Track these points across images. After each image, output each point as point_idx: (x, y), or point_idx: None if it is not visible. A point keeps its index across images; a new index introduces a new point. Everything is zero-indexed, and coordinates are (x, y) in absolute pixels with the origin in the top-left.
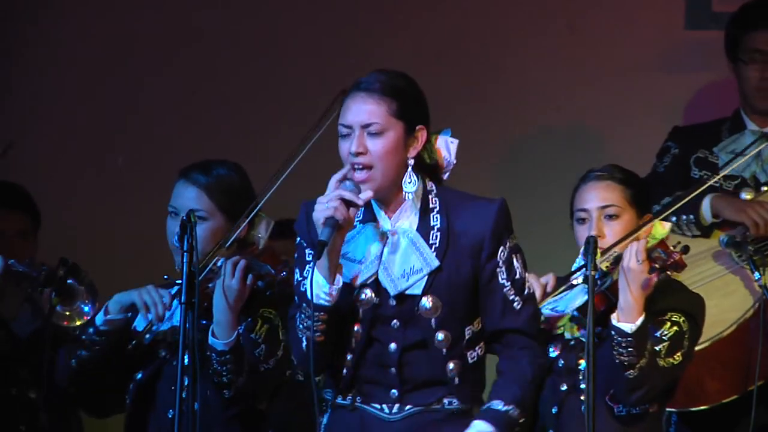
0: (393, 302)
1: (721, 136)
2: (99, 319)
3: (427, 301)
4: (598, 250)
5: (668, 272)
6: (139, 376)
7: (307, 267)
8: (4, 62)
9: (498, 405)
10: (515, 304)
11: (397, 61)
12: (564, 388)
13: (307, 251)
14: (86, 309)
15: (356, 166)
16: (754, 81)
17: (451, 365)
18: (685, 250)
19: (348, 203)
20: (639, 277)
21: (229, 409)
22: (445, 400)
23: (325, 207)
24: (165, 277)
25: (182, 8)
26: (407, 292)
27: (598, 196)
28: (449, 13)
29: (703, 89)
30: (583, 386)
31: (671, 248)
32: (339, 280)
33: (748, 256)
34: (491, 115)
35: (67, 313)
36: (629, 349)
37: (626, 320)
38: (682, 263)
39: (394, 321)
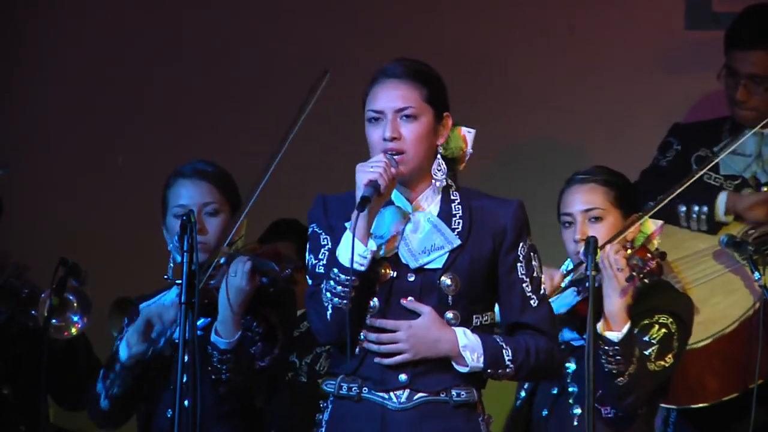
0: (411, 277)
1: (721, 135)
2: (123, 354)
3: (447, 278)
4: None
5: (645, 280)
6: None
7: (322, 250)
8: (4, 62)
9: (497, 338)
10: (532, 301)
11: None
12: (555, 391)
13: (323, 236)
14: (75, 319)
15: (389, 152)
16: (730, 96)
17: None
18: (663, 256)
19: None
20: (617, 286)
21: (223, 405)
22: (453, 391)
23: (369, 169)
24: (165, 277)
25: (181, 9)
26: (427, 266)
27: (581, 199)
28: (449, 13)
29: (703, 89)
30: (571, 389)
31: (648, 255)
32: (372, 244)
33: (748, 256)
34: (491, 116)
35: (62, 324)
36: (617, 358)
37: (611, 329)
38: (658, 272)
39: (410, 297)
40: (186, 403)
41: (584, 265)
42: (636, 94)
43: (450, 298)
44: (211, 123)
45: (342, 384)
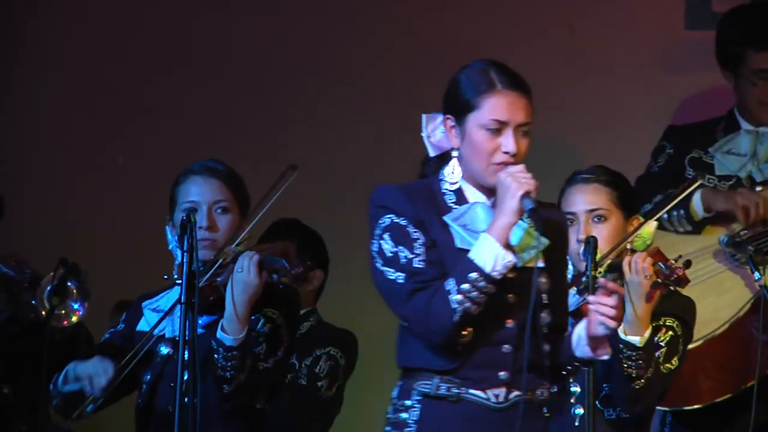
0: (511, 274)
1: (716, 136)
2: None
3: (543, 276)
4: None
5: (671, 288)
6: (149, 377)
7: (415, 244)
8: (4, 62)
9: None
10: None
11: (398, 61)
12: (554, 389)
13: (411, 229)
14: (76, 306)
15: (503, 165)
16: (761, 97)
17: (546, 347)
18: (687, 264)
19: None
20: (644, 292)
21: (225, 404)
22: (538, 391)
23: (522, 180)
24: (165, 277)
25: (181, 9)
26: (529, 265)
27: (585, 199)
28: (449, 13)
29: (702, 89)
30: (573, 389)
31: (672, 262)
32: (513, 255)
33: (748, 256)
34: None
35: (63, 311)
36: (639, 362)
37: (634, 333)
38: (686, 279)
39: (509, 295)
40: (196, 400)
41: (596, 266)
42: (636, 94)
43: (545, 296)
44: (211, 123)
45: (441, 384)
